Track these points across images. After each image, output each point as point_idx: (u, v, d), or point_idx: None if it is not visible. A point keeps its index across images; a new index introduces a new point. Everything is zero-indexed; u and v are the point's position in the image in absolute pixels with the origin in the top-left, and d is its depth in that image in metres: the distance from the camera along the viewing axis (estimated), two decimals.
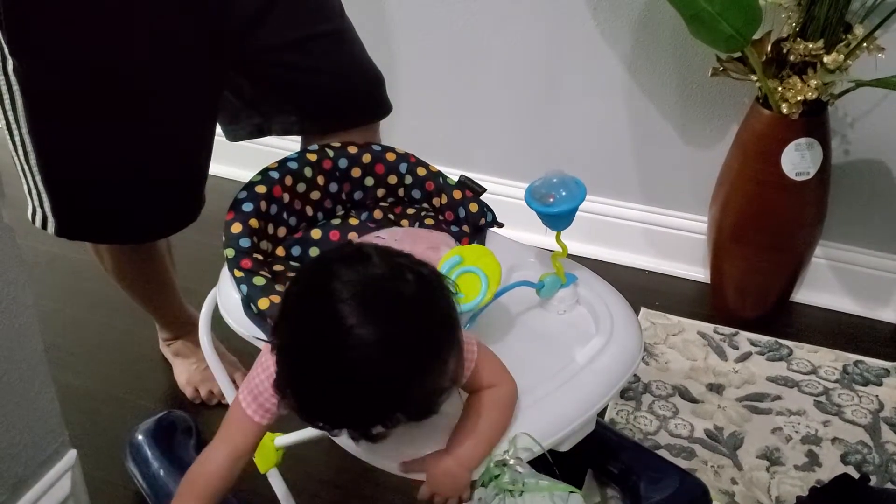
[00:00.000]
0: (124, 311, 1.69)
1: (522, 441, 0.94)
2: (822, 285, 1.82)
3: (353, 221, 1.25)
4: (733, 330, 1.73)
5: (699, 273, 1.90)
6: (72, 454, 0.98)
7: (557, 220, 1.06)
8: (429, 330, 0.82)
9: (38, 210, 1.20)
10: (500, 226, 1.25)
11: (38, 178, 1.17)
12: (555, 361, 1.05)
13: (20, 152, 1.16)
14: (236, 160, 1.76)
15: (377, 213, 1.28)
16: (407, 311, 0.81)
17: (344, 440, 0.94)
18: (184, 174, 1.25)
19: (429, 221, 1.27)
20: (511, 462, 0.92)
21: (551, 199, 1.06)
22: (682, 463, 1.39)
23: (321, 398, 0.81)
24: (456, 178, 1.26)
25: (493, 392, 0.95)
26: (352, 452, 0.97)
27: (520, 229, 1.28)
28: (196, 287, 1.53)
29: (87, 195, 1.19)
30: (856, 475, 1.33)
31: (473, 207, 1.24)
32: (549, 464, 0.96)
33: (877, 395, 1.58)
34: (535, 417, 0.98)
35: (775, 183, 1.59)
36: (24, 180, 1.20)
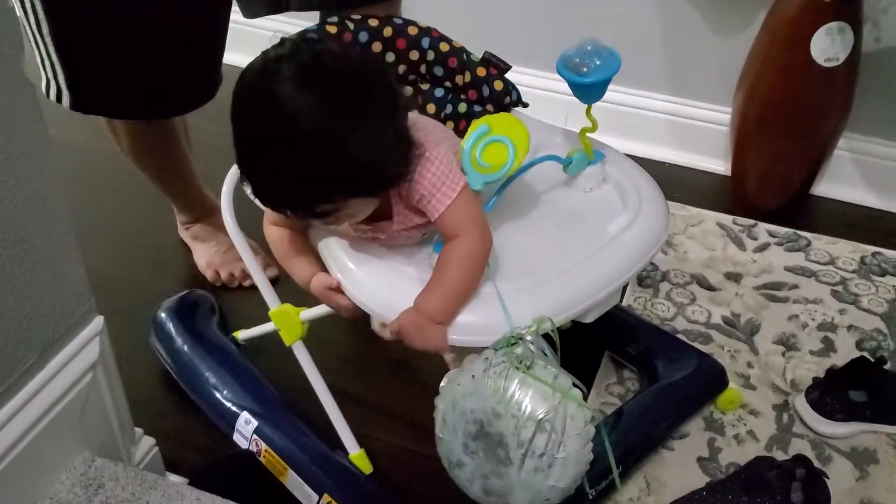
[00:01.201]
0: (141, 196, 1.68)
1: (545, 324, 0.93)
2: (844, 177, 1.80)
3: None
4: (752, 221, 1.73)
5: (720, 165, 1.88)
6: (99, 320, 0.98)
7: (590, 90, 1.04)
8: (358, 89, 0.88)
9: (53, 83, 1.18)
10: (525, 105, 1.22)
11: (51, 48, 1.14)
12: (581, 236, 1.05)
13: (32, 21, 1.13)
14: (249, 48, 1.71)
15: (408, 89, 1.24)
16: (336, 76, 0.87)
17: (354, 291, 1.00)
18: (201, 46, 1.22)
19: (449, 125, 1.23)
20: (528, 338, 0.92)
21: (584, 69, 1.03)
22: (699, 347, 1.40)
23: (269, 172, 0.88)
24: (480, 55, 1.22)
25: (460, 245, 0.95)
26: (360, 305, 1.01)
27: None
28: (213, 174, 1.51)
29: (102, 65, 1.16)
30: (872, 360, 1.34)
31: (498, 86, 1.20)
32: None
33: (894, 286, 1.58)
34: (562, 288, 0.98)
35: (803, 69, 1.55)
36: (36, 51, 1.17)
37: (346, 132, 0.86)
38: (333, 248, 1.04)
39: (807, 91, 1.59)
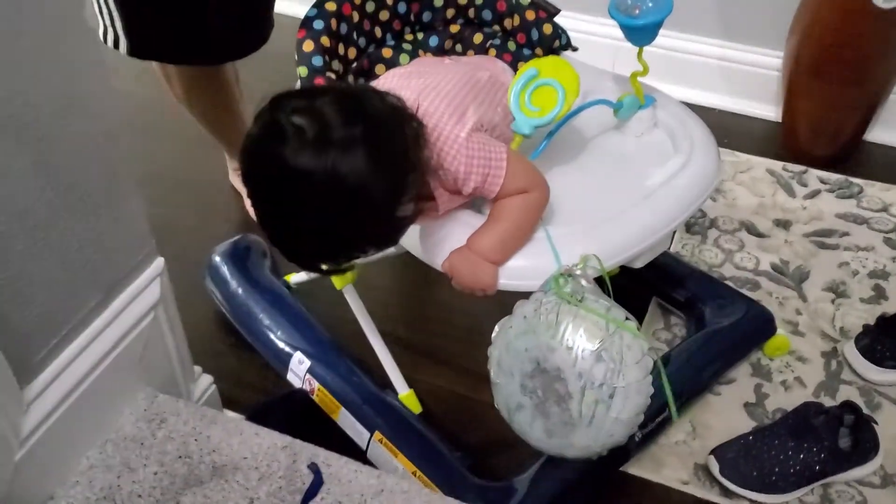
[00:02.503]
0: (192, 144, 1.71)
1: (592, 262, 0.93)
2: None
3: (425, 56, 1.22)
4: (803, 167, 1.70)
5: (771, 111, 1.85)
6: (160, 261, 1.01)
7: (642, 33, 1.02)
8: (355, 150, 0.84)
9: (110, 29, 1.19)
10: (575, 49, 1.21)
11: None
12: (632, 180, 1.05)
13: None
14: None
15: (447, 44, 1.25)
16: (333, 145, 0.83)
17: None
18: None
19: (492, 52, 1.23)
20: (577, 273, 0.92)
21: (636, 12, 1.01)
22: (747, 294, 1.39)
23: (280, 225, 0.89)
24: None
25: (521, 196, 0.96)
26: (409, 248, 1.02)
27: None
28: None
29: (158, 11, 1.18)
30: None
31: (547, 29, 1.19)
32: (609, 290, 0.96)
33: None
34: (612, 233, 0.99)
35: (861, 10, 1.51)
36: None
37: (359, 188, 0.84)
38: None
39: (864, 33, 1.54)
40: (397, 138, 0.88)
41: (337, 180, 0.83)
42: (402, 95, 0.95)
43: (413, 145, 0.89)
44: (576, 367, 0.86)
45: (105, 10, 1.17)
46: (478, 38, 1.25)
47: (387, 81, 1.04)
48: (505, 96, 1.05)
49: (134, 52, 1.20)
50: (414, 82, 1.01)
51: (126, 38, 1.19)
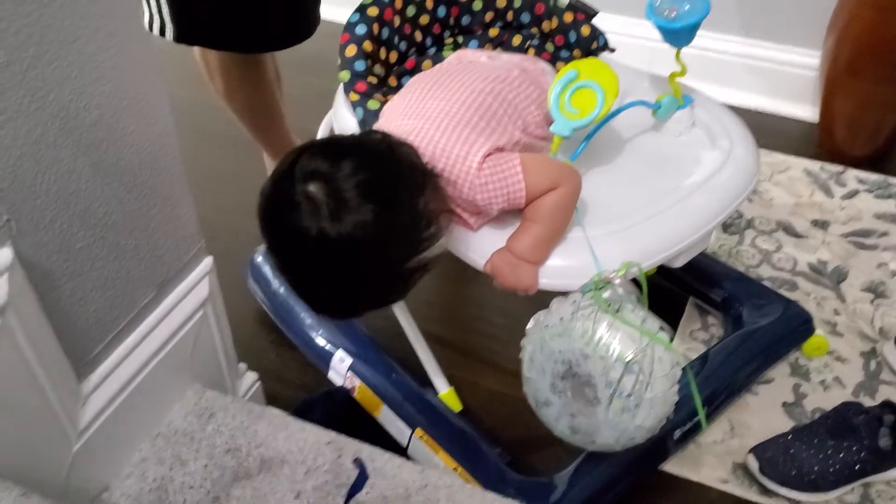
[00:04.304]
0: (232, 146, 1.75)
1: (633, 269, 0.94)
2: None
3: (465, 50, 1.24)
4: (840, 167, 1.69)
5: (808, 112, 1.84)
6: (209, 260, 1.04)
7: (679, 35, 1.03)
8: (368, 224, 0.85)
9: (156, 17, 1.21)
10: (612, 50, 1.22)
11: None
12: (671, 180, 1.05)
13: None
14: None
15: (487, 47, 1.26)
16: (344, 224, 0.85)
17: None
18: None
19: (531, 52, 1.25)
20: (617, 282, 0.93)
21: (673, 14, 1.02)
22: (785, 294, 1.40)
23: (295, 278, 0.94)
24: (566, 0, 1.22)
25: (550, 195, 0.96)
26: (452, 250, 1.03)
27: None
28: (299, 124, 1.55)
29: None
30: None
31: (585, 31, 1.21)
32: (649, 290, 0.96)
33: None
34: (652, 232, 0.99)
35: None
36: None
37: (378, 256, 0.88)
38: None
39: None
40: (413, 202, 0.90)
41: (350, 250, 0.86)
42: (413, 125, 0.97)
43: (431, 198, 0.91)
44: (606, 377, 0.88)
45: None
46: (517, 39, 1.26)
47: (402, 103, 1.04)
48: (539, 99, 1.06)
49: (181, 37, 1.22)
50: (427, 105, 1.00)
51: (173, 23, 1.20)
